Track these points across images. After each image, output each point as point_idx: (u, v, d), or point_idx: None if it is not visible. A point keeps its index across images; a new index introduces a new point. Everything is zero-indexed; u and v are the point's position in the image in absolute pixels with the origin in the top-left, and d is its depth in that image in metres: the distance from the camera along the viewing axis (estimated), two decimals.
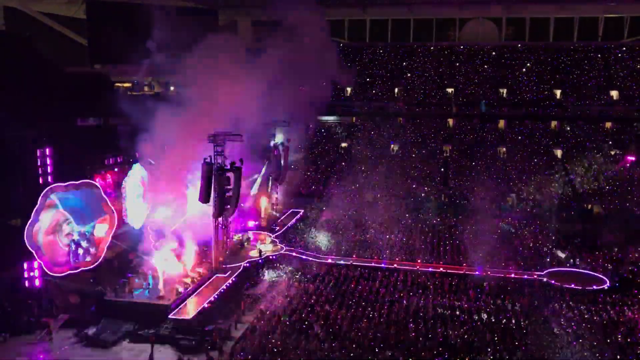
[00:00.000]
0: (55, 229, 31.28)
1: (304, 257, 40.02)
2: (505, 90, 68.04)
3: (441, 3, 71.62)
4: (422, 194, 54.77)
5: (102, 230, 33.61)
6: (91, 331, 29.38)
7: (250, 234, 44.18)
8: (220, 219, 37.13)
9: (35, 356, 27.82)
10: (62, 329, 29.94)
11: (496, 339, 28.04)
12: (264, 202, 49.26)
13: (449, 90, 69.02)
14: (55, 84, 43.23)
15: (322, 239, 43.36)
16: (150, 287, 32.71)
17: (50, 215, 31.02)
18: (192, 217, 37.21)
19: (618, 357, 26.71)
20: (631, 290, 34.42)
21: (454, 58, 73.30)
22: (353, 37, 77.91)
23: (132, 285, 32.73)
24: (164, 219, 35.53)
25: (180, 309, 30.76)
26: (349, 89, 70.48)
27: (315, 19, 47.82)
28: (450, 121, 67.49)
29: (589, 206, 51.51)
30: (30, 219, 29.87)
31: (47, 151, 31.45)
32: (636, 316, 30.87)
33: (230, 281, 34.84)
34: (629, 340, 28.13)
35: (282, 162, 49.99)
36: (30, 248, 29.85)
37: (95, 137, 41.07)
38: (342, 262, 39.13)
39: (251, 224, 46.46)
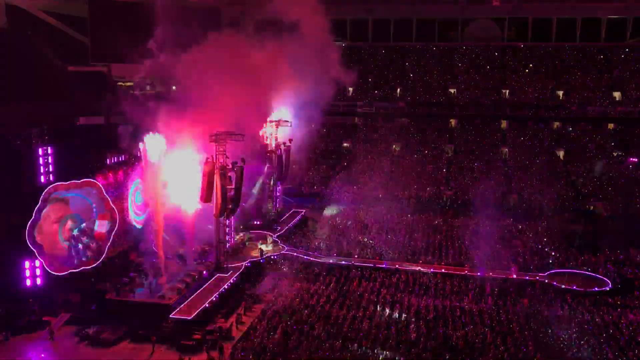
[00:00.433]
0: (57, 228, 31.31)
1: (305, 257, 39.99)
2: (507, 91, 67.95)
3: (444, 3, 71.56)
4: (424, 195, 54.63)
5: (102, 225, 33.62)
6: (92, 330, 29.32)
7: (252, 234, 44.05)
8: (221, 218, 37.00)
9: (36, 356, 27.79)
10: (63, 327, 29.89)
11: (497, 340, 27.95)
12: (265, 202, 49.16)
13: (452, 90, 68.97)
14: (57, 83, 43.24)
15: (323, 239, 43.23)
16: (152, 286, 32.67)
17: (51, 214, 31.07)
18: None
19: (619, 359, 26.61)
20: (633, 291, 34.30)
21: (457, 58, 73.21)
22: (355, 37, 77.81)
23: (133, 284, 32.68)
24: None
25: (181, 308, 30.70)
26: (351, 89, 70.41)
27: (318, 18, 47.74)
28: (453, 121, 67.53)
29: (591, 207, 51.39)
30: (32, 218, 29.93)
31: (49, 150, 31.38)
32: (638, 318, 30.77)
33: (231, 281, 34.80)
34: (631, 343, 28.00)
35: (284, 161, 49.89)
36: (31, 247, 29.90)
37: (96, 136, 41.06)
38: (343, 262, 39.06)
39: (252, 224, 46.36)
